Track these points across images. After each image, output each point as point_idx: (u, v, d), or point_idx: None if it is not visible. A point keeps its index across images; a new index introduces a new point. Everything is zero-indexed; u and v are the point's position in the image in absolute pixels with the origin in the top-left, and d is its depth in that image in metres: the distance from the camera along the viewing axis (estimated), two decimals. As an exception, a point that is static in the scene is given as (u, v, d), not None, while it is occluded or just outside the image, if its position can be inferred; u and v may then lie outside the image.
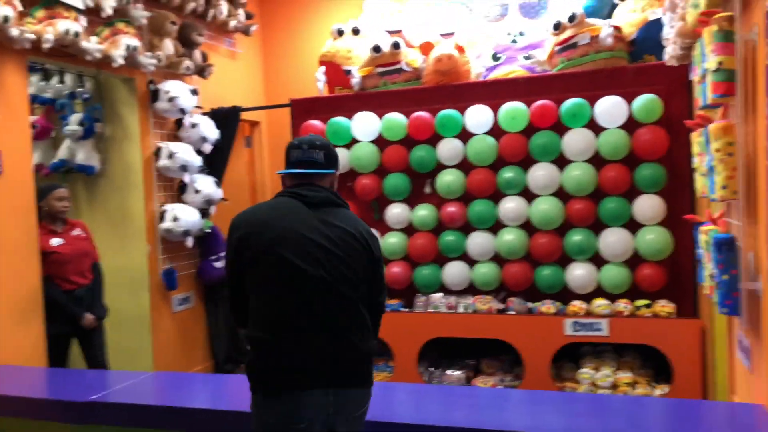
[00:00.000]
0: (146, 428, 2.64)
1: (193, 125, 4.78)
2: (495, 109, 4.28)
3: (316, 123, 4.70)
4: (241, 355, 5.33)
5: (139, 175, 4.56)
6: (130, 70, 4.40)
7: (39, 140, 4.40)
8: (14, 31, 3.35)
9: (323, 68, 5.11)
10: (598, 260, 4.11)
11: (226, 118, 5.15)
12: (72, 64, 4.09)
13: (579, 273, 4.07)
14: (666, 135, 3.93)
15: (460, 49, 4.59)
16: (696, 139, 2.82)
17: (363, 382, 1.97)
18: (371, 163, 4.51)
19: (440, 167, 4.43)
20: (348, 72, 5.04)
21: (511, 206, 4.19)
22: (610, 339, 3.95)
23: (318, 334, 1.87)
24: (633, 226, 4.03)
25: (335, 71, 5.11)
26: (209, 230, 4.95)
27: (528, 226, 4.22)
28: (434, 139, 4.43)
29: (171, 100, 4.54)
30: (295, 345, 1.86)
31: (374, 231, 4.48)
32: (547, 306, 4.12)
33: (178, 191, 4.84)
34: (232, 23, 5.44)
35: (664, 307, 3.89)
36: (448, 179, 4.32)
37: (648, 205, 3.94)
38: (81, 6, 3.78)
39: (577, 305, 4.05)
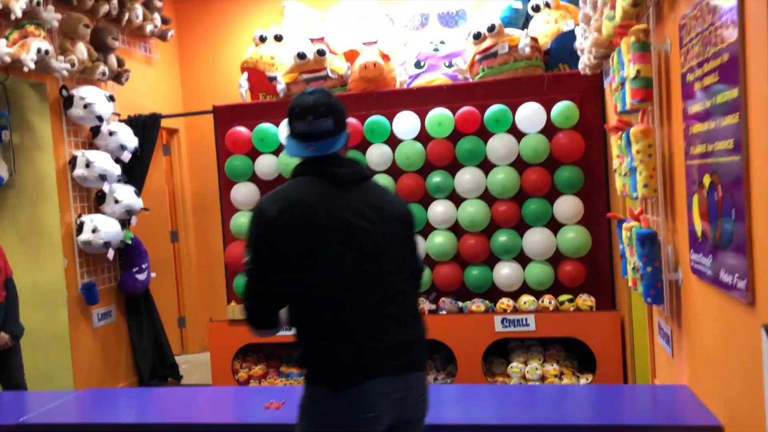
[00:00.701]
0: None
1: (111, 133, 4.60)
2: (421, 115, 4.39)
3: (241, 129, 4.64)
4: (167, 370, 5.16)
5: (53, 186, 4.33)
6: (41, 75, 4.17)
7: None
8: None
9: (246, 74, 5.05)
10: (523, 259, 4.30)
11: (145, 126, 4.98)
12: (-24, 69, 3.84)
13: (506, 272, 4.24)
14: (582, 139, 4.17)
15: (385, 57, 4.67)
16: (615, 142, 3.02)
17: (424, 365, 1.89)
18: (300, 170, 4.50)
19: (370, 172, 4.47)
20: (272, 78, 5.00)
21: (440, 210, 4.31)
22: (536, 333, 4.15)
23: (379, 322, 1.77)
24: (554, 225, 4.25)
25: (258, 78, 5.06)
26: (130, 241, 4.76)
27: (456, 228, 4.36)
28: (363, 145, 4.48)
29: (87, 106, 4.34)
30: (360, 335, 1.75)
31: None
32: (477, 304, 4.26)
33: (96, 201, 4.63)
34: (149, 28, 5.27)
35: (585, 301, 4.12)
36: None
37: (567, 206, 4.17)
38: (-12, 6, 3.56)
39: (505, 303, 4.22)
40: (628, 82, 2.61)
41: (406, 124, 4.35)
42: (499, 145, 4.21)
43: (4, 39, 3.72)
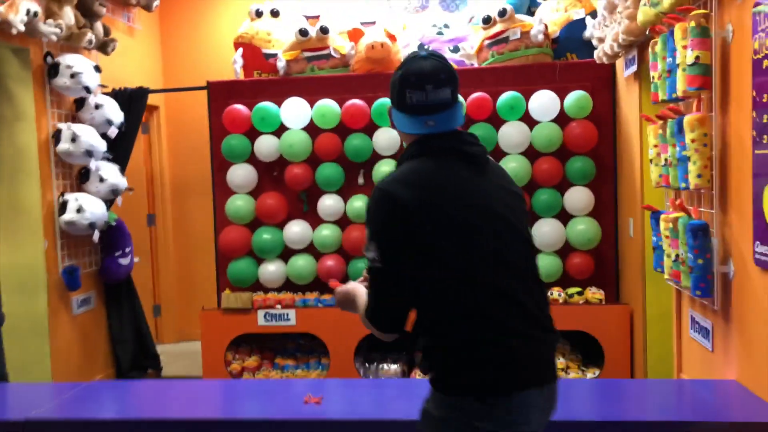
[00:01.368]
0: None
1: (98, 106, 4.28)
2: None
3: (240, 108, 4.38)
4: (148, 360, 4.87)
5: (34, 160, 3.99)
6: (24, 39, 3.82)
7: None
8: None
9: (240, 50, 4.79)
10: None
11: (131, 100, 4.66)
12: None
13: (513, 263, 4.15)
14: (596, 129, 4.12)
15: (392, 38, 4.51)
16: (654, 131, 2.95)
17: (557, 373, 1.66)
18: (303, 152, 4.30)
19: (376, 157, 4.32)
20: (268, 56, 4.76)
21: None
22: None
23: (528, 324, 1.55)
24: (564, 216, 4.19)
25: (253, 54, 4.80)
26: (114, 223, 4.46)
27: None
28: (370, 128, 4.31)
29: (74, 76, 4.02)
30: (513, 338, 1.52)
31: (304, 223, 4.36)
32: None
33: (78, 179, 4.31)
34: (135, -5, 4.94)
35: (594, 294, 4.08)
36: (386, 170, 4.22)
37: (579, 197, 4.11)
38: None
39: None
40: (681, 68, 2.54)
41: (416, 108, 4.19)
42: (513, 133, 4.11)
43: (-12, -3, 3.38)
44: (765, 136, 2.12)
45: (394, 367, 4.26)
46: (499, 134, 4.16)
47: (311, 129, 4.35)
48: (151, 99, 5.25)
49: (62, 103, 4.25)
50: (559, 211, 4.17)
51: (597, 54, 3.98)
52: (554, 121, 4.14)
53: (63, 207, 4.07)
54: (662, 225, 2.85)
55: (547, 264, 4.13)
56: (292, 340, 4.61)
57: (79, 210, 4.04)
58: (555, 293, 4.09)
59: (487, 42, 4.46)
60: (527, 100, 4.16)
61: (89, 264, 4.47)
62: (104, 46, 4.50)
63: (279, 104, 4.36)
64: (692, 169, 2.52)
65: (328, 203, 4.33)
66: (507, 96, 4.14)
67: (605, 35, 3.85)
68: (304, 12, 5.22)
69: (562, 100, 4.14)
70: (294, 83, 4.45)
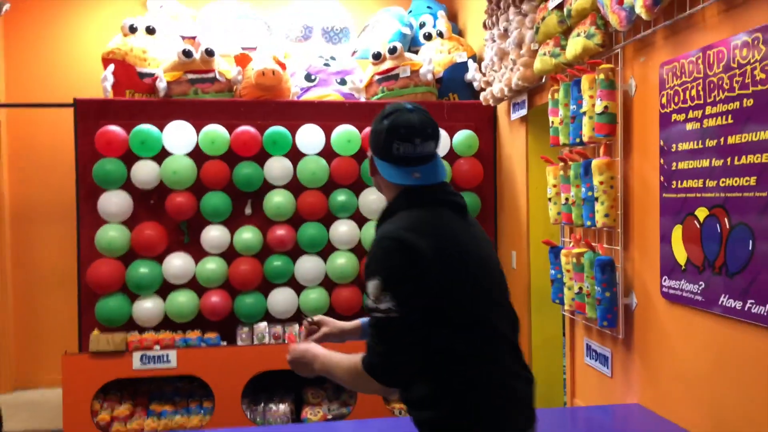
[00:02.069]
0: None
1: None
2: (325, 130, 4.20)
3: (115, 129, 3.99)
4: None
5: None
6: None
7: None
8: None
9: (112, 67, 4.38)
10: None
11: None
12: None
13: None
14: (481, 166, 4.33)
15: (282, 66, 4.41)
16: (555, 172, 3.16)
17: None
18: (187, 179, 4.00)
19: (267, 187, 4.15)
20: (143, 75, 4.42)
21: (343, 230, 4.13)
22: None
23: (520, 365, 1.62)
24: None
25: (126, 72, 4.42)
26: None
27: (359, 250, 4.21)
28: (261, 157, 4.14)
29: None
30: (515, 381, 1.58)
31: (186, 256, 4.04)
32: (378, 329, 4.14)
33: None
34: (-18, -4, 4.34)
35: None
36: (278, 200, 4.07)
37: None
38: None
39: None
40: (588, 116, 2.76)
41: (310, 138, 4.12)
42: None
43: None
44: (673, 182, 2.36)
45: (282, 407, 4.06)
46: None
47: (195, 155, 4.08)
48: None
49: None
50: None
51: (484, 96, 4.22)
52: (444, 158, 4.29)
53: None
54: (564, 259, 3.05)
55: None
56: (169, 383, 4.21)
57: None
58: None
59: (377, 77, 4.53)
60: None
61: None
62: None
63: (160, 127, 4.04)
64: (600, 209, 2.73)
65: (214, 234, 4.06)
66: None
67: (493, 79, 4.10)
68: (181, 32, 4.94)
69: (451, 138, 4.31)
70: (177, 106, 4.16)
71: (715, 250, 2.14)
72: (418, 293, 1.50)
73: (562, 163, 3.09)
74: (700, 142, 2.21)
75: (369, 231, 4.16)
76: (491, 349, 1.55)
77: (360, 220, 4.24)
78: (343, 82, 4.69)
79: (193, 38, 5.00)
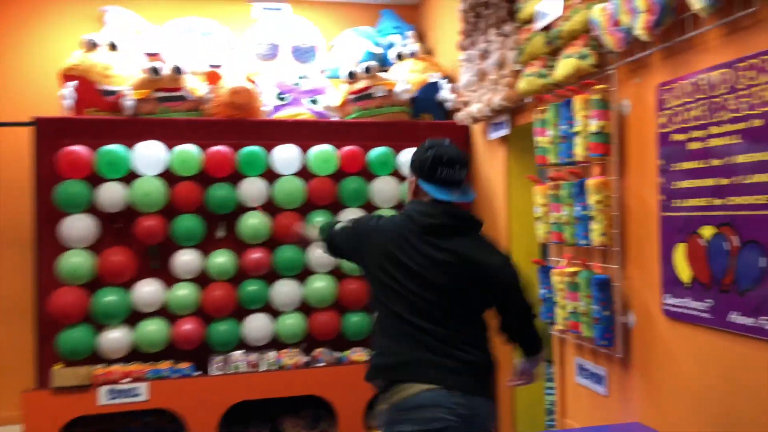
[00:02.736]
0: None
1: None
2: (302, 150, 4.10)
3: (79, 149, 3.77)
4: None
5: None
6: None
7: None
8: None
9: (73, 84, 4.16)
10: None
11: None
12: None
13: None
14: (459, 187, 4.31)
15: (254, 84, 4.29)
16: (543, 191, 3.16)
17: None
18: (159, 202, 3.82)
19: (241, 209, 4.00)
20: (106, 92, 4.21)
21: (321, 252, 4.01)
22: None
23: (405, 346, 2.28)
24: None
25: (88, 89, 4.21)
26: None
27: (337, 273, 4.11)
28: (234, 177, 4.00)
29: None
30: (382, 355, 2.33)
31: (156, 282, 3.83)
32: (358, 353, 4.04)
33: None
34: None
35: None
36: (254, 222, 3.93)
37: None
38: None
39: (385, 350, 4.07)
40: (582, 136, 2.78)
41: (286, 158, 4.01)
42: (384, 188, 4.13)
43: None
44: (673, 201, 2.39)
45: (260, 438, 3.90)
46: (372, 188, 4.15)
47: (166, 176, 3.90)
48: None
49: None
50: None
51: (460, 116, 4.22)
52: (421, 177, 4.26)
53: None
54: (556, 278, 3.05)
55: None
56: (138, 417, 3.97)
57: None
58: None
59: (351, 96, 4.47)
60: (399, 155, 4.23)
61: None
62: None
63: (130, 146, 3.85)
64: (596, 228, 2.74)
65: (186, 259, 3.88)
66: (378, 151, 4.16)
67: (470, 99, 4.10)
68: (144, 49, 4.76)
69: (428, 158, 4.28)
70: (146, 125, 3.97)
71: (723, 267, 2.15)
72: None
73: (551, 183, 3.09)
74: (703, 161, 2.24)
75: (348, 253, 4.06)
76: (384, 322, 2.24)
77: (338, 241, 4.14)
78: (314, 101, 4.61)
79: (157, 54, 4.82)
